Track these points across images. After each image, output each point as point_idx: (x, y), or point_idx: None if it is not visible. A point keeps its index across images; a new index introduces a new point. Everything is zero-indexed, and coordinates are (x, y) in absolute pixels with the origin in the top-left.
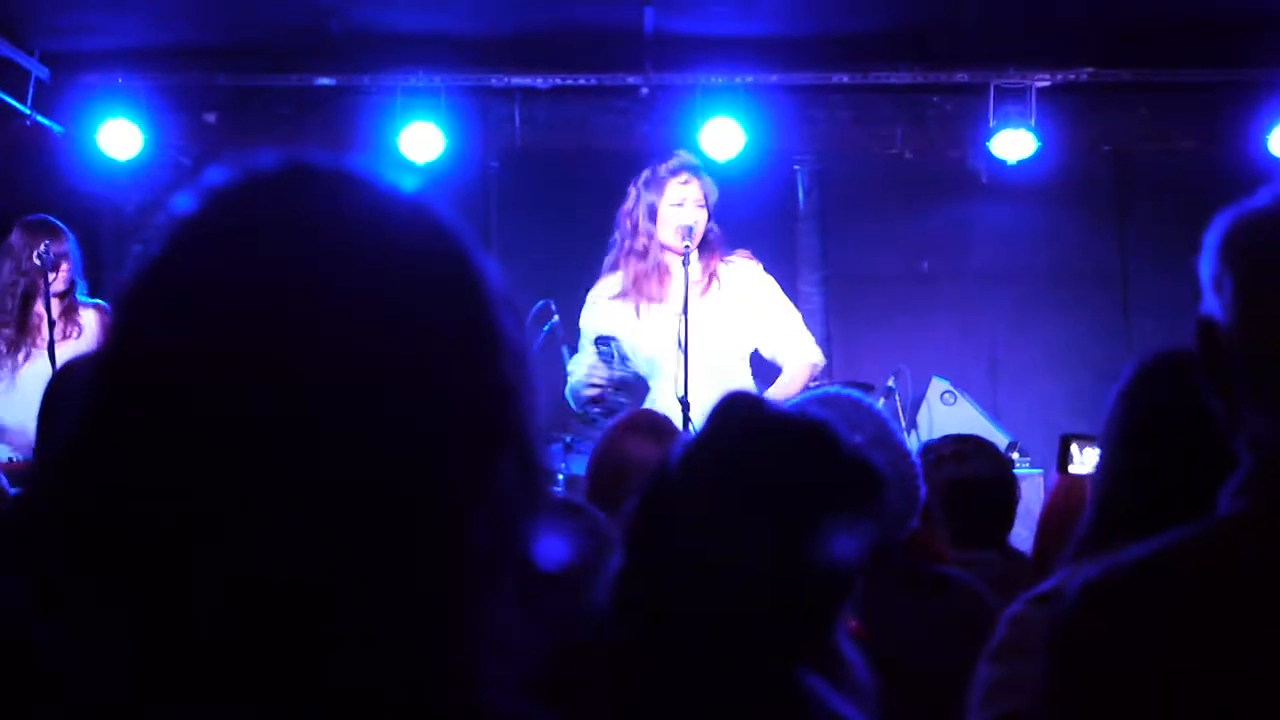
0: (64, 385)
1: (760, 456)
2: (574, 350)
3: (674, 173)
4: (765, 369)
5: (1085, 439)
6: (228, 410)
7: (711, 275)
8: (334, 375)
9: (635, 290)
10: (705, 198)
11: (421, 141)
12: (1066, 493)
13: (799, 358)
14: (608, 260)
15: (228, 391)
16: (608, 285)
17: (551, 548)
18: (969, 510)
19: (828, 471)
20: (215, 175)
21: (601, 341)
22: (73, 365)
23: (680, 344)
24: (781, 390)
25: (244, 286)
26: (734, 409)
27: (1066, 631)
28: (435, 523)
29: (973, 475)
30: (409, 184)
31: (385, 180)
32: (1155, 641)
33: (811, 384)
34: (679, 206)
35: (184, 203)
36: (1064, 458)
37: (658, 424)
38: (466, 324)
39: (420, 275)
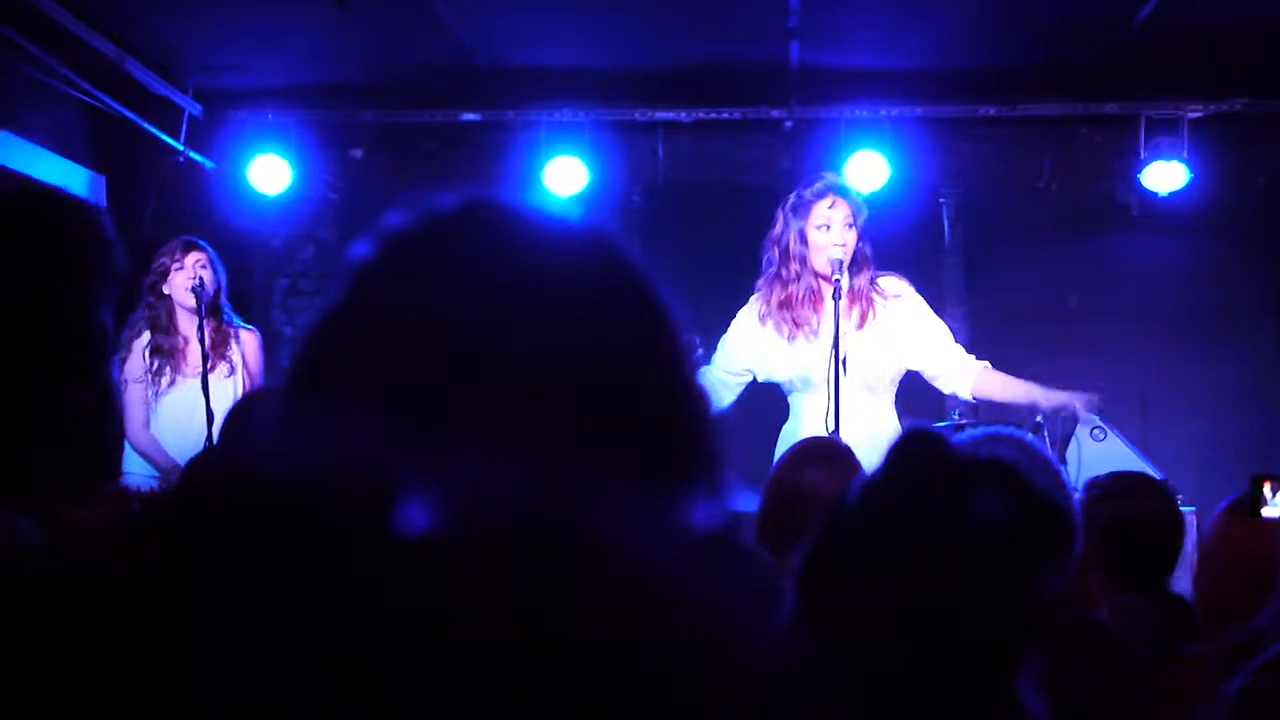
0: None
1: (947, 498)
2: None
3: (820, 195)
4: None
5: None
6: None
7: (868, 307)
8: (521, 407)
9: (784, 316)
10: (854, 217)
11: (565, 175)
12: (1249, 537)
13: (973, 362)
14: (759, 284)
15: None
16: (753, 308)
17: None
18: (1129, 551)
19: (1019, 514)
20: (393, 217)
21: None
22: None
23: (830, 374)
24: (1012, 384)
25: (429, 327)
26: (915, 446)
27: None
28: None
29: (1136, 514)
30: (581, 216)
31: (559, 213)
32: None
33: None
34: (825, 230)
35: (362, 247)
36: (1257, 499)
37: (831, 453)
38: (652, 353)
39: (603, 306)
